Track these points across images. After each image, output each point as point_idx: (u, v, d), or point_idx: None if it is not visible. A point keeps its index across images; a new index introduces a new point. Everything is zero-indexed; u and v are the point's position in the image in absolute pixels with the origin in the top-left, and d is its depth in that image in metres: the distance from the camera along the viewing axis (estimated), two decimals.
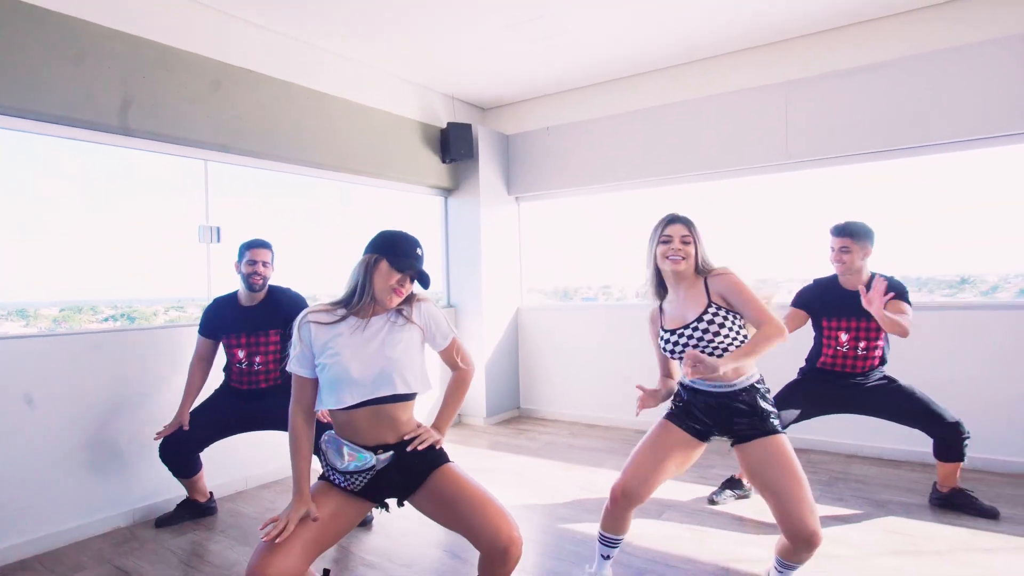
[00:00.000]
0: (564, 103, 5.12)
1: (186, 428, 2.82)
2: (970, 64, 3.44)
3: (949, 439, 2.75)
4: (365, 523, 2.98)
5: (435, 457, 1.79)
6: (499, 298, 5.14)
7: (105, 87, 2.91)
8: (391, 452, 1.74)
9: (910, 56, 3.61)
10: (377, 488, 1.76)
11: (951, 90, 3.49)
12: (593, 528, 2.51)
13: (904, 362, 3.19)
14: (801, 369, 3.11)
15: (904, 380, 2.89)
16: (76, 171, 3.10)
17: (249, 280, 2.89)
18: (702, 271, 2.05)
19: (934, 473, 3.28)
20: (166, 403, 3.07)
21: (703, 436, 2.08)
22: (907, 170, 3.82)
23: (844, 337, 2.86)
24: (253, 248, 2.90)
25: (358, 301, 1.74)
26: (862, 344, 2.84)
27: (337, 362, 1.69)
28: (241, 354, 2.89)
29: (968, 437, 2.75)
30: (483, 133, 5.02)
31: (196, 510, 3.04)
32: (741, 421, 1.98)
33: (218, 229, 3.43)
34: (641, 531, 2.68)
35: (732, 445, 2.02)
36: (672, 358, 2.14)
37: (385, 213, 4.83)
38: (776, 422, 1.97)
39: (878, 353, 2.86)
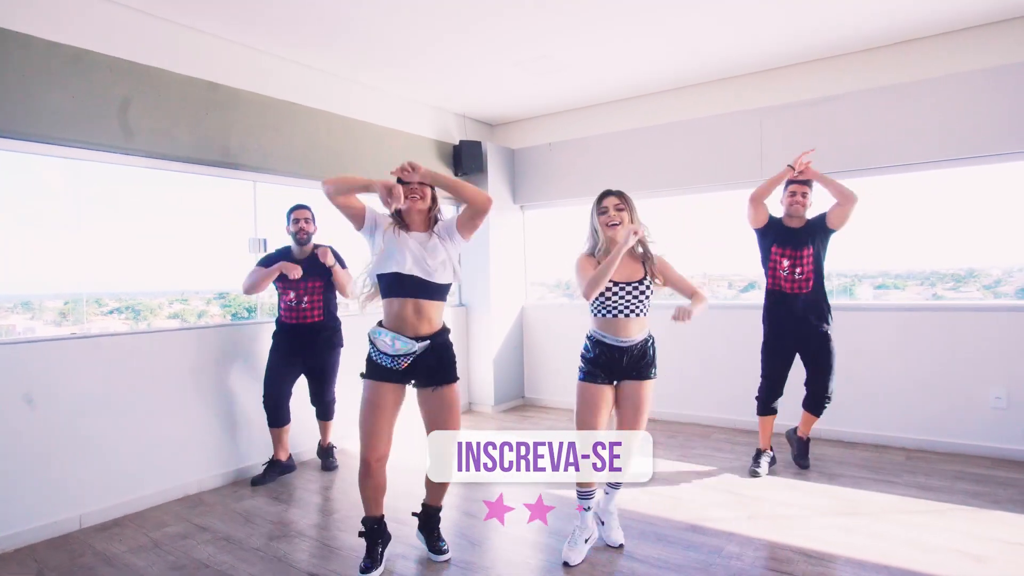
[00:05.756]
0: (565, 122, 5.63)
1: (296, 276, 3.46)
2: (915, 97, 3.96)
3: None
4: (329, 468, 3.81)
5: (451, 372, 2.48)
6: (506, 297, 5.67)
7: (189, 125, 3.48)
8: (427, 341, 2.39)
9: (871, 88, 4.12)
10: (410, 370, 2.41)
11: (907, 119, 4.01)
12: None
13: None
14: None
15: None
16: (155, 194, 3.63)
17: (297, 236, 3.51)
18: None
19: (885, 453, 3.90)
20: (229, 395, 3.65)
21: (611, 380, 2.56)
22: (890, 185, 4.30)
23: (786, 263, 3.47)
24: (296, 210, 3.57)
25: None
26: (798, 270, 3.45)
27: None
28: (292, 295, 3.51)
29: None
30: (492, 149, 5.53)
31: (281, 468, 3.63)
32: (628, 366, 2.52)
33: (264, 241, 3.95)
34: (629, 495, 3.21)
35: (616, 383, 2.56)
36: (605, 301, 2.53)
37: None
38: (652, 371, 2.55)
39: (813, 278, 3.44)
